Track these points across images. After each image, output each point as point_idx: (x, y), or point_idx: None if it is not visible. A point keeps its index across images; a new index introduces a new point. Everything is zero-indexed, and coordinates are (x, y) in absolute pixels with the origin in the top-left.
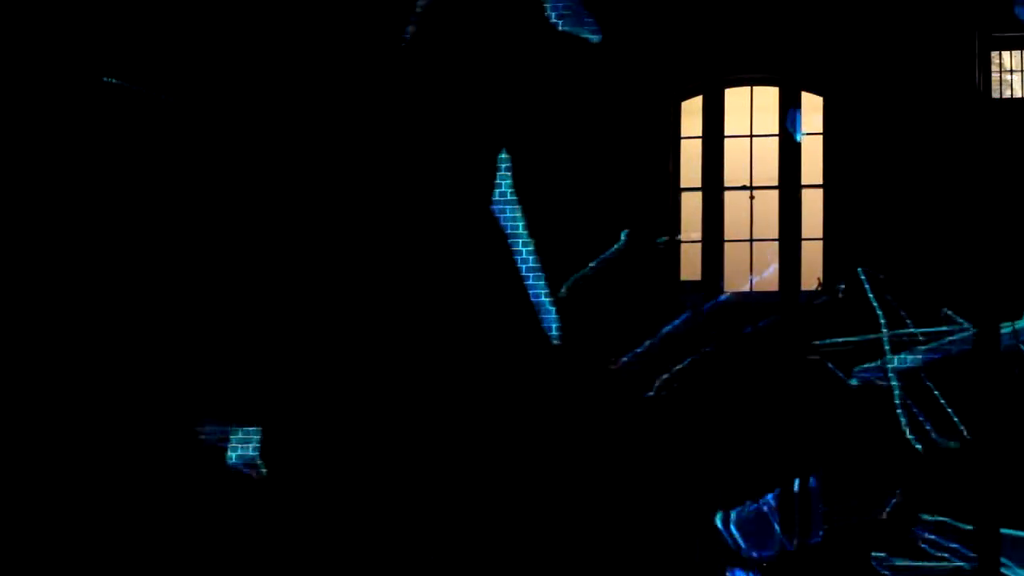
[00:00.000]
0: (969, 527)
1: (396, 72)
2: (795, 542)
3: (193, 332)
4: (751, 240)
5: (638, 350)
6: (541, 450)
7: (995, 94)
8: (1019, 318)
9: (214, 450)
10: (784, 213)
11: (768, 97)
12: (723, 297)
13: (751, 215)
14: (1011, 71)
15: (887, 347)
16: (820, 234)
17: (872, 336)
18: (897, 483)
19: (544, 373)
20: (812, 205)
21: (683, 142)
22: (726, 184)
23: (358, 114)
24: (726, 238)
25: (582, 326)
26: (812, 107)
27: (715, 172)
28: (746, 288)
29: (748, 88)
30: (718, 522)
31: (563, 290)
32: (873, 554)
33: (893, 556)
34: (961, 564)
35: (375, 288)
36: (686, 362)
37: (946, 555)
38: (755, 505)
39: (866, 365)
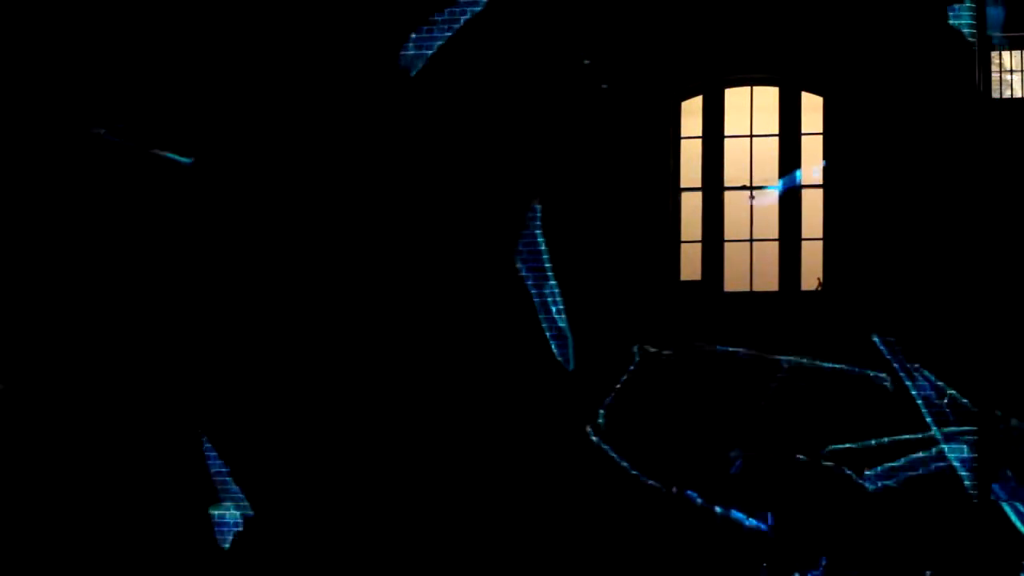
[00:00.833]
0: None
1: (402, 87)
2: None
3: (196, 341)
4: (751, 240)
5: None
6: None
7: (995, 94)
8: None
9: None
10: (784, 213)
11: (768, 97)
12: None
13: (751, 215)
14: (1011, 71)
15: None
16: (820, 234)
17: None
18: None
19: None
20: (812, 205)
21: (683, 142)
22: (726, 184)
23: (357, 115)
24: (726, 238)
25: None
26: (812, 107)
27: (715, 172)
28: (746, 288)
29: (748, 88)
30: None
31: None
32: None
33: None
34: None
35: (385, 302)
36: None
37: None
38: None
39: None
